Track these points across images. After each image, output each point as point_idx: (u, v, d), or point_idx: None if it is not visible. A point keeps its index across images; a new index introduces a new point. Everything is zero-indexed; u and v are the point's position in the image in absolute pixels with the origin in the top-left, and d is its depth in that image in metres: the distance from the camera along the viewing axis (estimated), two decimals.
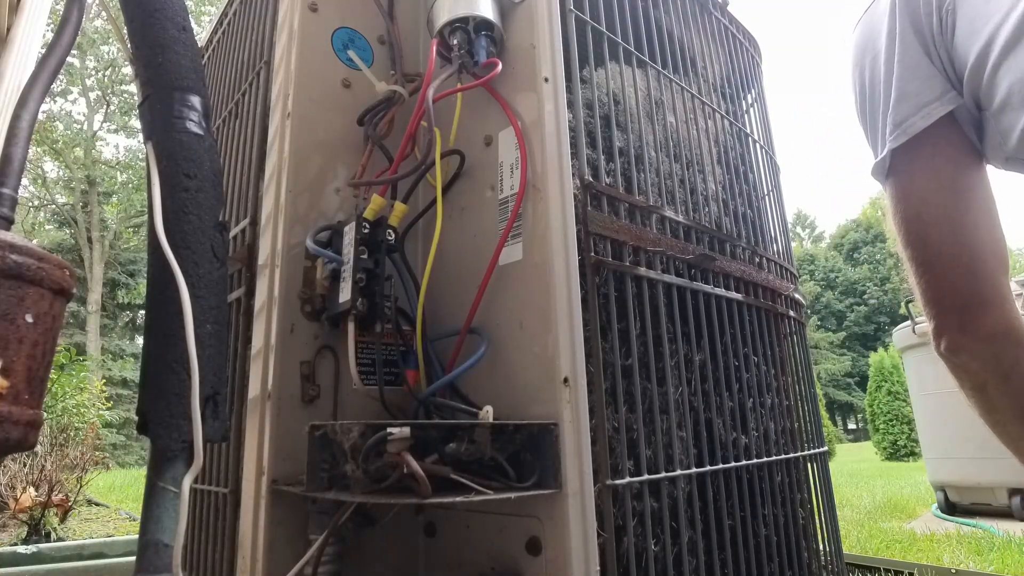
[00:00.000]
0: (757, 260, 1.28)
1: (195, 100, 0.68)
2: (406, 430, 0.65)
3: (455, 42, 0.94)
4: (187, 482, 0.58)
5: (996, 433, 0.76)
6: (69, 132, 16.98)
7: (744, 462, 1.07)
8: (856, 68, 0.83)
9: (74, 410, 4.23)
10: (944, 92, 0.72)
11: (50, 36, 0.65)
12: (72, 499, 3.14)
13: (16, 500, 2.92)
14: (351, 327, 0.87)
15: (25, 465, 3.15)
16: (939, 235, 0.72)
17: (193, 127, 0.67)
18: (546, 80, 0.88)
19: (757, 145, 1.48)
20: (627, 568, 0.81)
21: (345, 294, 0.87)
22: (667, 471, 0.90)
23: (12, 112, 0.58)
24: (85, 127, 17.45)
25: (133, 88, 16.03)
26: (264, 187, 1.01)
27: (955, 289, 0.71)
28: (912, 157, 0.74)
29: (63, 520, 3.02)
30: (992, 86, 0.65)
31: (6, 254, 0.49)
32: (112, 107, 17.50)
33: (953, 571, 1.96)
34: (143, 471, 0.72)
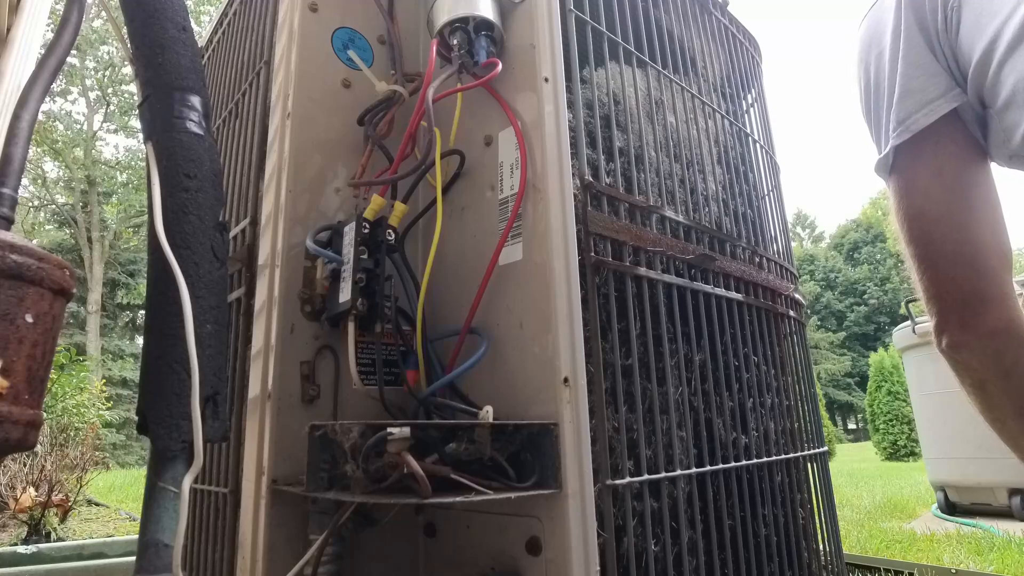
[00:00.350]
0: (757, 260, 1.28)
1: (195, 100, 0.68)
2: (406, 430, 0.65)
3: (455, 42, 0.94)
4: (187, 482, 0.58)
5: (996, 430, 0.76)
6: (69, 132, 16.98)
7: (744, 462, 1.07)
8: (861, 64, 0.83)
9: (74, 410, 4.23)
10: (948, 89, 0.71)
11: (50, 36, 0.65)
12: (72, 499, 3.14)
13: (16, 500, 2.92)
14: (351, 327, 0.87)
15: (25, 465, 3.15)
16: (942, 232, 0.72)
17: (193, 127, 0.67)
18: (546, 80, 0.88)
19: (757, 145, 1.48)
20: (627, 568, 0.81)
21: (345, 294, 0.87)
22: (667, 471, 0.90)
23: (12, 112, 0.58)
24: (85, 127, 17.46)
25: (133, 88, 16.02)
26: (264, 187, 1.01)
27: (957, 286, 0.71)
28: (915, 154, 0.74)
29: (63, 520, 3.02)
30: (996, 84, 0.65)
31: (6, 254, 0.49)
32: (112, 107, 17.50)
33: (953, 571, 1.96)
34: (143, 471, 0.72)
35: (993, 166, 0.75)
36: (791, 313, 1.35)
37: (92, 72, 17.02)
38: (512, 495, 0.70)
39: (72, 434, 3.86)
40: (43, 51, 0.65)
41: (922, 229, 0.74)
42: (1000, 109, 0.66)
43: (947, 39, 0.71)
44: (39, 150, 16.06)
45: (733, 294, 1.15)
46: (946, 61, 0.72)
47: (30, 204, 17.47)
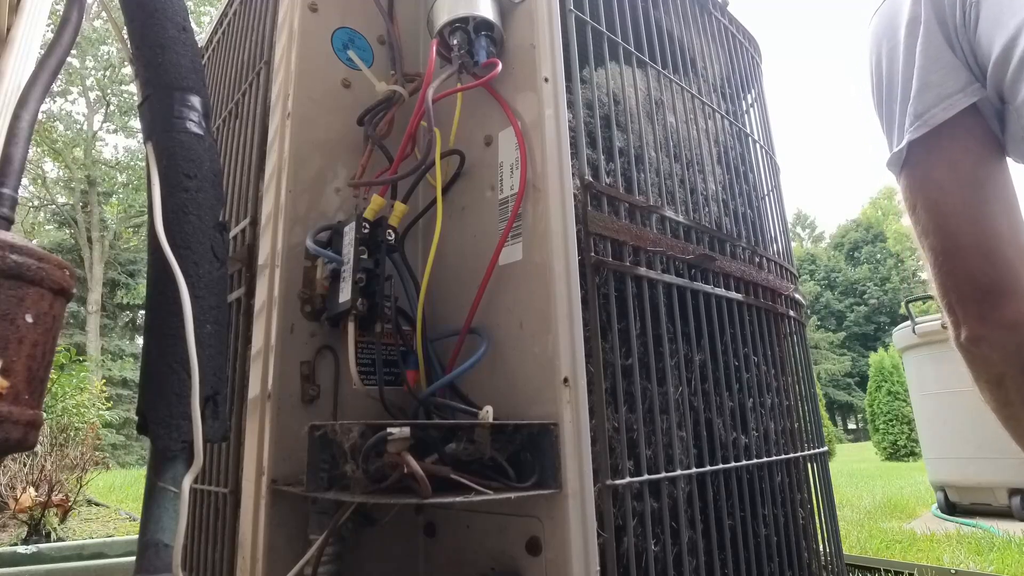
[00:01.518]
0: (757, 260, 1.28)
1: (195, 100, 0.68)
2: (406, 430, 0.65)
3: (455, 42, 0.94)
4: (187, 482, 0.58)
5: (1010, 427, 0.74)
6: (69, 132, 16.98)
7: (744, 462, 1.07)
8: (874, 57, 0.82)
9: (74, 410, 4.23)
10: (968, 84, 0.71)
11: (50, 36, 0.65)
12: (72, 499, 3.13)
13: (16, 500, 2.92)
14: (351, 327, 0.87)
15: (25, 465, 3.15)
16: (958, 225, 0.71)
17: (193, 127, 0.67)
18: (546, 80, 0.88)
19: (757, 145, 1.48)
20: (627, 568, 0.81)
21: (345, 294, 0.87)
22: (667, 471, 0.90)
23: (12, 112, 0.58)
24: (85, 127, 17.45)
25: (133, 88, 16.02)
26: (264, 187, 1.01)
27: (975, 279, 0.70)
28: (931, 148, 0.73)
29: (63, 520, 3.02)
30: (1018, 80, 0.65)
31: (6, 254, 0.49)
32: (112, 107, 17.50)
33: (953, 571, 1.96)
34: (143, 471, 0.72)
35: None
36: (791, 313, 1.35)
37: (92, 72, 17.01)
38: (512, 495, 0.70)
39: (72, 434, 3.86)
40: (43, 51, 0.65)
41: (938, 223, 0.73)
42: (1021, 105, 0.66)
43: (965, 34, 0.70)
44: (39, 150, 16.05)
45: (733, 294, 1.15)
46: (964, 56, 0.71)
47: (30, 204, 17.46)
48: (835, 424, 27.92)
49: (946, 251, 0.72)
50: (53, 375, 3.80)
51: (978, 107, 0.71)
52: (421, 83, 0.98)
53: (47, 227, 18.61)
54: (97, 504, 3.77)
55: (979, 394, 0.76)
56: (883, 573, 2.02)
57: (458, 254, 0.98)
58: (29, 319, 0.50)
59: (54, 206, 18.03)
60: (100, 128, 17.68)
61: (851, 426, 33.23)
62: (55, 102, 16.67)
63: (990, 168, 0.72)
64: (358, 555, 0.87)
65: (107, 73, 17.03)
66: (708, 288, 1.09)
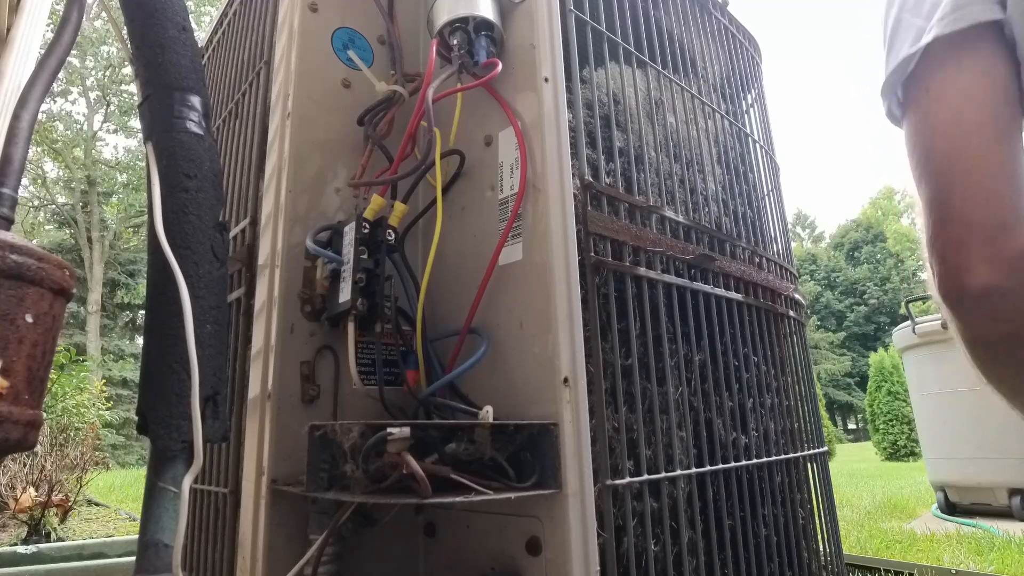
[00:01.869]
0: (757, 260, 1.28)
1: (195, 100, 0.68)
2: (406, 430, 0.65)
3: (455, 42, 0.94)
4: (187, 482, 0.58)
5: (1021, 406, 0.62)
6: (69, 132, 16.98)
7: (744, 462, 1.07)
8: None
9: (74, 410, 4.23)
10: (995, 5, 0.59)
11: (50, 36, 0.65)
12: (72, 499, 3.13)
13: (16, 500, 2.92)
14: (351, 327, 0.87)
15: (25, 465, 3.15)
16: (983, 139, 0.58)
17: (193, 127, 0.67)
18: (546, 80, 0.88)
19: (757, 145, 1.48)
20: (627, 568, 0.81)
21: (345, 294, 0.87)
22: (667, 471, 0.90)
23: (12, 112, 0.58)
24: (85, 127, 17.46)
25: (133, 88, 16.03)
26: (264, 187, 1.01)
27: (992, 203, 0.57)
28: (964, 48, 0.60)
29: (63, 520, 3.02)
30: None
31: (6, 254, 0.49)
32: (112, 107, 17.50)
33: (953, 571, 1.96)
34: (143, 471, 0.72)
35: None
36: (791, 313, 1.35)
37: (92, 72, 17.01)
38: (512, 495, 0.70)
39: (72, 434, 3.86)
40: (43, 51, 0.65)
41: (953, 136, 0.59)
42: None
43: None
44: (39, 150, 16.05)
45: (733, 294, 1.15)
46: None
47: (30, 204, 17.45)
48: (835, 424, 27.93)
49: (959, 168, 0.59)
50: (53, 375, 3.81)
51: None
52: (421, 83, 0.98)
53: (47, 227, 18.61)
54: (97, 504, 3.77)
55: (975, 372, 0.62)
56: (883, 573, 2.02)
57: (458, 254, 0.98)
58: (29, 319, 0.50)
59: (54, 206, 18.03)
60: (100, 128, 17.68)
61: (851, 426, 33.24)
62: (55, 102, 16.68)
63: (1019, 90, 0.60)
64: (358, 555, 0.87)
65: (107, 73, 17.04)
66: (708, 288, 1.09)
